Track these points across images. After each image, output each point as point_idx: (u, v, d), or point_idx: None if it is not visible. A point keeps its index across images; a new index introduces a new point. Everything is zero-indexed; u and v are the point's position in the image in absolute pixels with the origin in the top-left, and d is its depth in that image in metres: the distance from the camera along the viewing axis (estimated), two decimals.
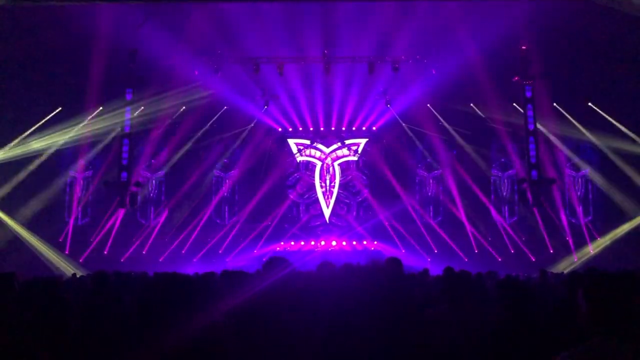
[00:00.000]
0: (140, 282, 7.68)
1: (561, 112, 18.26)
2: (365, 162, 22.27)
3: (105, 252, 18.64)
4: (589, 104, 17.54)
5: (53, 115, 17.32)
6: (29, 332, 3.12)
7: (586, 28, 14.47)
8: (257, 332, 3.24)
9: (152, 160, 20.32)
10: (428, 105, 20.12)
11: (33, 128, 17.01)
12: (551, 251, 18.91)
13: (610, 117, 17.15)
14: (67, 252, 18.13)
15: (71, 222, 18.85)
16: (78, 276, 11.64)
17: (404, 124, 21.09)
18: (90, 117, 17.73)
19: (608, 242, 17.57)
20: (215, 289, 5.53)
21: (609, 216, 18.02)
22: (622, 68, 15.49)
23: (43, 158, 17.45)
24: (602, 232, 18.07)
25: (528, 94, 16.08)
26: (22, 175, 16.79)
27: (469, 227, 20.14)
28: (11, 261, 15.09)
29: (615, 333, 2.26)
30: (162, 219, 20.27)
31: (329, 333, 3.18)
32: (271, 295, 3.49)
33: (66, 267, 16.95)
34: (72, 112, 17.51)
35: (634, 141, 16.81)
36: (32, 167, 17.08)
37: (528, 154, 16.17)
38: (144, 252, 19.44)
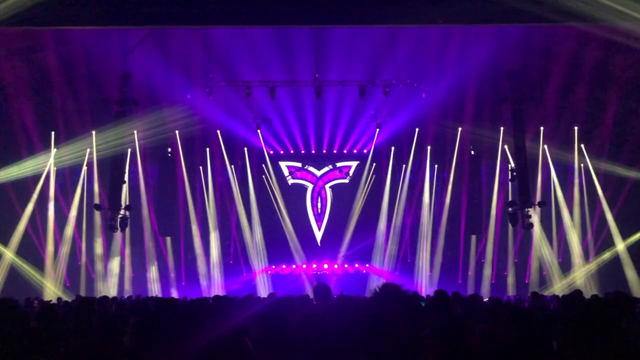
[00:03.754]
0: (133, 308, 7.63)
1: (549, 134, 18.46)
2: (356, 184, 22.25)
3: (93, 276, 18.49)
4: (575, 127, 17.85)
5: (45, 139, 17.29)
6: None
7: (573, 52, 14.79)
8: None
9: (143, 184, 20.19)
10: (417, 129, 20.31)
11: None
12: (543, 273, 18.96)
13: (597, 140, 17.41)
14: (54, 275, 17.91)
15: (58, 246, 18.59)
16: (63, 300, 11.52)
17: (393, 147, 21.23)
18: (81, 140, 17.68)
19: (595, 266, 17.70)
20: (207, 314, 5.49)
21: (599, 239, 18.12)
22: (608, 92, 15.82)
23: (37, 181, 17.44)
24: (594, 254, 18.15)
25: (516, 117, 16.24)
26: (12, 198, 16.71)
27: (461, 248, 20.23)
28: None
29: (604, 352, 2.29)
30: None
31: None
32: (264, 318, 3.48)
33: (54, 291, 16.78)
34: (64, 136, 17.48)
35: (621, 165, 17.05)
36: (21, 190, 17.02)
37: (517, 176, 16.27)
38: (132, 275, 19.34)
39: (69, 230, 18.32)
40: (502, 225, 19.41)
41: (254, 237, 21.17)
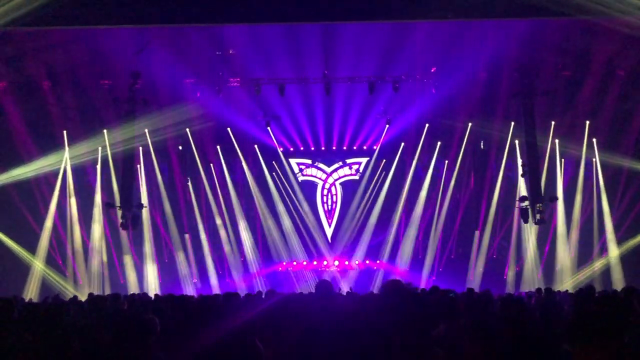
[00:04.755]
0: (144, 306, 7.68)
1: (561, 129, 18.25)
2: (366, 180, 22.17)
3: (105, 274, 18.62)
4: (587, 121, 17.61)
5: (55, 139, 17.39)
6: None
7: (585, 46, 14.63)
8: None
9: (155, 182, 20.27)
10: (427, 124, 20.18)
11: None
12: (556, 268, 18.79)
13: (608, 134, 17.16)
14: (67, 275, 18.03)
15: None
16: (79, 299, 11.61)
17: (403, 143, 21.12)
18: (90, 140, 17.76)
19: (606, 262, 17.52)
20: (218, 310, 5.52)
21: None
22: (619, 86, 15.61)
23: (47, 180, 17.53)
24: (606, 250, 17.96)
25: (527, 112, 16.10)
26: (21, 198, 16.81)
27: (476, 244, 20.14)
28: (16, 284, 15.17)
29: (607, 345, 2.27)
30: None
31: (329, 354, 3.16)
32: (273, 316, 3.49)
33: (69, 289, 16.91)
34: (73, 136, 17.58)
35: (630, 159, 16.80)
36: (31, 190, 17.13)
37: (528, 171, 16.15)
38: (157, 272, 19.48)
39: (98, 228, 18.40)
40: (511, 221, 19.29)
41: (284, 231, 21.26)
